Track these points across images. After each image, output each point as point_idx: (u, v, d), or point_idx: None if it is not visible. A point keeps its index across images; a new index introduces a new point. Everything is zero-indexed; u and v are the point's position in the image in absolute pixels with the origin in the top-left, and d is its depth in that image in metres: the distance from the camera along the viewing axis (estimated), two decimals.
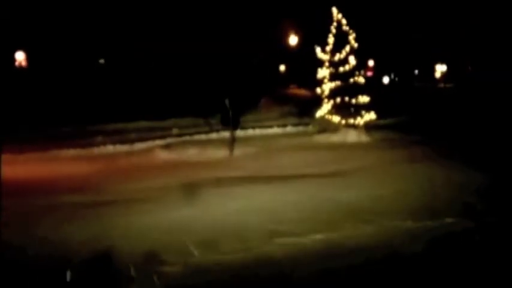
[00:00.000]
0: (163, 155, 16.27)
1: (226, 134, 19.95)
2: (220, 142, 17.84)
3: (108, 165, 14.90)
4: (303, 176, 11.90)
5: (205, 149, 16.57)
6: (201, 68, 39.66)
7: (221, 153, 16.06)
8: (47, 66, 36.98)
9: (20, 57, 38.19)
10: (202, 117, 26.95)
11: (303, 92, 50.37)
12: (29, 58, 38.44)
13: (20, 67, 38.24)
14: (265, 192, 10.14)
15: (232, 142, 16.09)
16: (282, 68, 65.59)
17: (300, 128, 21.51)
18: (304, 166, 13.55)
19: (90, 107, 31.41)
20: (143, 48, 40.52)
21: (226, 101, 16.12)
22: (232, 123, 16.33)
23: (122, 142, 19.37)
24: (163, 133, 21.72)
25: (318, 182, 11.10)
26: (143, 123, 25.52)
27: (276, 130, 21.34)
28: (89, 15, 40.29)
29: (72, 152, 17.21)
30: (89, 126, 24.69)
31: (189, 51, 41.46)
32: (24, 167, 14.51)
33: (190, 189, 10.52)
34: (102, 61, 42.91)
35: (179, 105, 31.26)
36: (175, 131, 21.55)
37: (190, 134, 20.14)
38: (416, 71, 73.47)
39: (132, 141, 19.05)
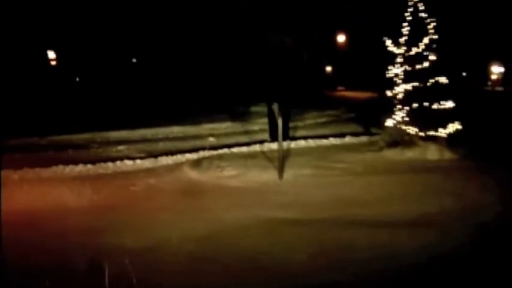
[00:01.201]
0: (193, 176, 12.36)
1: (272, 146, 16.06)
2: (266, 158, 13.89)
3: (119, 191, 11.03)
4: (384, 226, 7.83)
5: (246, 169, 12.58)
6: (241, 68, 35.91)
7: (267, 175, 12.04)
8: (77, 66, 34.00)
9: (50, 56, 35.18)
10: (243, 122, 23.26)
11: (354, 94, 46.12)
12: (59, 57, 35.33)
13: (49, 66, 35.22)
14: None
15: (281, 160, 12.03)
16: (328, 69, 61.44)
17: (362, 139, 17.39)
18: (380, 202, 9.44)
19: (120, 110, 28.14)
20: (177, 47, 36.98)
21: (275, 107, 12.06)
22: (282, 135, 12.25)
23: (147, 154, 15.71)
24: (197, 142, 17.96)
25: (411, 245, 7.02)
26: (176, 129, 21.86)
27: (332, 141, 17.27)
28: (121, 15, 37.07)
29: (80, 168, 13.44)
30: (114, 131, 21.18)
31: (227, 51, 37.77)
32: (9, 192, 10.79)
33: (218, 255, 6.63)
34: (134, 61, 39.57)
35: (217, 109, 27.75)
36: (210, 140, 17.65)
37: (229, 146, 16.21)
38: (464, 73, 67.82)
39: (157, 154, 15.32)
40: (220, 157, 14.23)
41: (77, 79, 35.87)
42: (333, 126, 21.54)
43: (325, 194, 10.11)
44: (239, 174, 12.20)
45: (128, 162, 14.01)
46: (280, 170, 11.92)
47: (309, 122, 23.11)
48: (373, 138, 16.58)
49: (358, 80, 48.99)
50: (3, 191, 11.12)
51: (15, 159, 15.19)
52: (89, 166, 13.53)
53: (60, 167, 13.41)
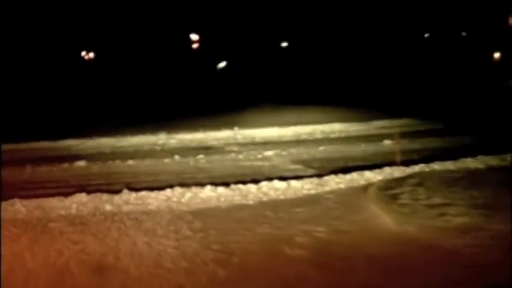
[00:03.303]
0: (389, 223, 6.87)
1: (491, 161, 10.27)
2: (500, 186, 8.08)
3: (267, 259, 5.81)
4: None
5: (479, 213, 6.90)
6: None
7: None
8: (220, 49, 29.93)
9: (193, 38, 31.45)
10: (422, 119, 17.46)
11: None
12: (202, 40, 31.43)
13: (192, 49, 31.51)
14: None
15: None
16: (496, 55, 53.04)
17: None
18: None
19: (268, 100, 23.13)
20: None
21: None
22: None
23: (304, 166, 10.68)
24: (368, 147, 12.60)
25: None
26: (337, 127, 16.55)
27: None
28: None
29: (206, 193, 8.51)
30: (259, 129, 16.38)
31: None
32: (76, 249, 6.12)
33: None
34: (285, 44, 34.62)
35: (386, 99, 22.13)
36: (395, 145, 11.89)
37: (426, 159, 10.54)
38: None
39: (319, 168, 10.16)
40: (422, 181, 8.60)
41: (223, 64, 31.74)
42: None
43: None
44: (473, 224, 6.55)
45: (279, 185, 8.85)
46: None
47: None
48: None
49: None
50: (79, 236, 6.56)
51: (125, 172, 10.77)
52: (220, 190, 8.56)
53: (178, 189, 8.59)
